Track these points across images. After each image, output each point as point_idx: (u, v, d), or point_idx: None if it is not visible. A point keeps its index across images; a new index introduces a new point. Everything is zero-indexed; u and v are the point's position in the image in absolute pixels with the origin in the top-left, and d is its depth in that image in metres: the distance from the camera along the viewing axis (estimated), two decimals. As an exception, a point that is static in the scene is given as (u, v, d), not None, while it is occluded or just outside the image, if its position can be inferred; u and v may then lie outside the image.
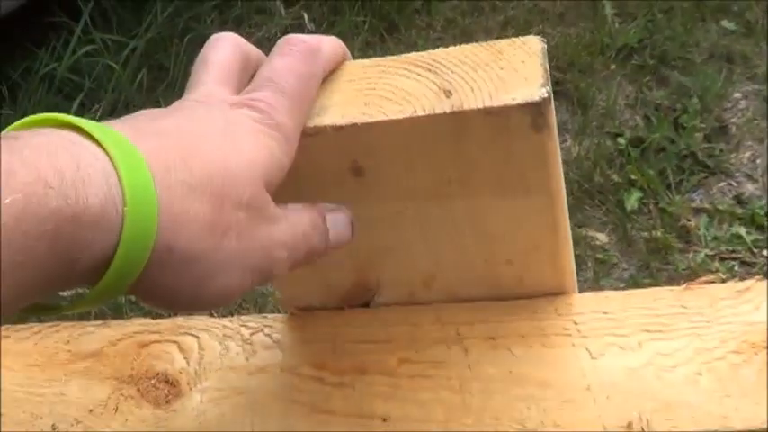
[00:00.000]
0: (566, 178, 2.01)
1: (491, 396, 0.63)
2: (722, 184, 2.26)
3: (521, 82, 0.54)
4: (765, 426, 0.60)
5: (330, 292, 0.68)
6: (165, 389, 0.69)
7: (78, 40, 2.89)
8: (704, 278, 0.68)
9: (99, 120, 0.46)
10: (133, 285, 0.44)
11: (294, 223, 0.52)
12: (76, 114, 0.45)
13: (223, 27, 2.94)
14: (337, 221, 0.56)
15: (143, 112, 0.50)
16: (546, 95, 0.53)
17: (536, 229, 0.62)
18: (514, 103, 0.53)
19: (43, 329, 0.75)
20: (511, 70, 0.55)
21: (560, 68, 2.54)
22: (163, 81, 2.90)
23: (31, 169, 0.39)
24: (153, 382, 0.69)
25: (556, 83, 2.51)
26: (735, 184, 2.26)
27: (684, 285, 0.67)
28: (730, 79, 2.47)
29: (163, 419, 0.67)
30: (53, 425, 0.69)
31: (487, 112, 0.54)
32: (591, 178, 2.25)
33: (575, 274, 0.69)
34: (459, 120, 0.54)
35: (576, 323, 0.66)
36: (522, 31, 2.64)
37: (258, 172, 0.49)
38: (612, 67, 2.54)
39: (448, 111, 0.54)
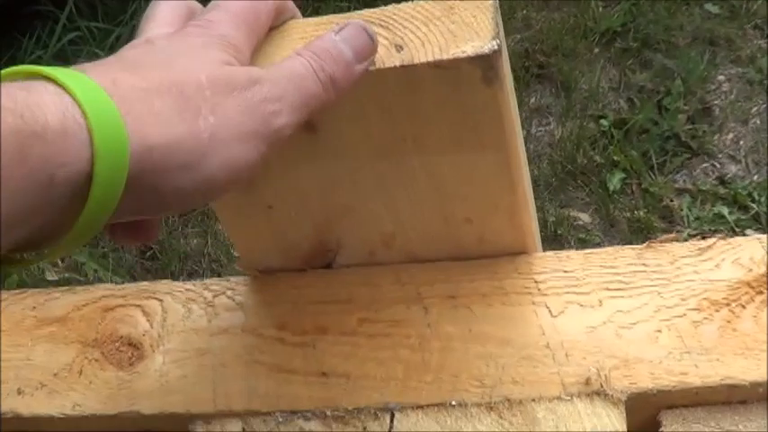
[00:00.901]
0: (549, 160, 2.00)
1: (450, 354, 0.64)
2: (705, 164, 2.26)
3: (471, 35, 0.54)
4: (724, 382, 0.61)
5: (291, 254, 0.68)
6: (129, 351, 0.69)
7: (63, 28, 2.88)
8: (665, 236, 0.68)
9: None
10: (133, 197, 0.44)
11: (278, 76, 0.50)
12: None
13: (208, 14, 2.92)
14: (348, 39, 0.54)
15: None
16: (496, 48, 0.53)
17: (493, 186, 0.62)
18: (464, 55, 0.53)
19: (9, 297, 0.75)
20: (462, 24, 0.55)
21: (544, 52, 2.54)
22: (148, 69, 2.88)
23: None
24: (117, 345, 0.69)
25: (539, 66, 2.51)
26: (718, 164, 2.26)
27: (645, 244, 0.68)
28: (714, 62, 2.47)
29: (126, 381, 0.67)
30: (18, 389, 0.69)
31: (437, 66, 0.54)
32: (574, 159, 2.25)
33: (537, 234, 0.69)
34: (409, 74, 0.54)
35: (536, 282, 0.67)
36: (506, 15, 2.63)
37: (209, 56, 0.49)
38: (596, 50, 2.54)
39: (398, 65, 0.54)
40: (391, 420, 0.61)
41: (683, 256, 0.67)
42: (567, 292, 0.66)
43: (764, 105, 2.38)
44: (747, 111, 2.37)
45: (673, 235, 0.69)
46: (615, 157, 2.24)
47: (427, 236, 0.66)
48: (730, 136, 2.33)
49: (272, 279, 0.70)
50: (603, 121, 2.33)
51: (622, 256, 0.67)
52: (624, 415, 0.59)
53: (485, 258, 0.68)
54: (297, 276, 0.69)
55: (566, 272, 0.67)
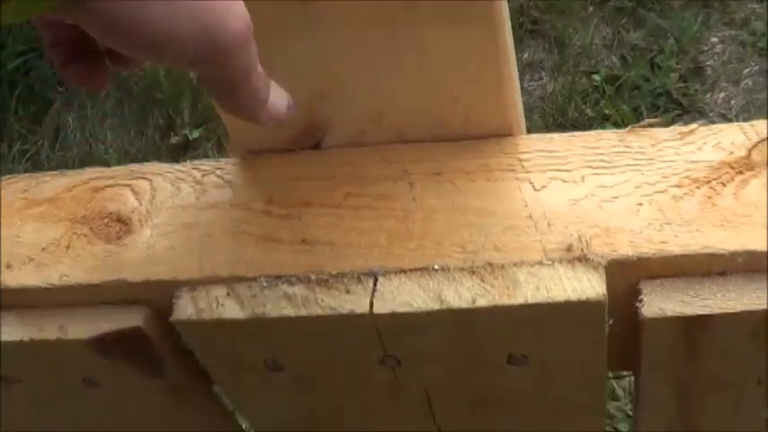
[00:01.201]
0: (541, 113, 1.99)
1: (434, 224, 0.65)
2: (696, 122, 2.27)
3: None
4: (702, 251, 0.61)
5: (281, 134, 0.69)
6: (117, 227, 0.70)
7: None
8: (647, 121, 0.69)
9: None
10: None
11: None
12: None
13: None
14: (277, 92, 0.58)
15: None
16: None
17: (479, 61, 0.63)
18: None
19: (1, 182, 0.76)
20: None
21: (539, 8, 2.54)
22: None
23: None
24: (105, 221, 0.70)
25: (533, 22, 2.52)
26: (709, 122, 2.27)
27: (628, 128, 0.69)
28: (707, 23, 2.48)
29: (114, 253, 0.68)
30: (7, 263, 0.69)
31: None
32: (565, 112, 2.26)
33: (522, 118, 0.70)
34: None
35: (520, 160, 0.67)
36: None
37: None
38: (590, 8, 2.54)
39: None
40: (374, 284, 0.62)
41: (665, 140, 0.68)
42: (551, 170, 0.67)
43: (757, 67, 2.40)
44: (740, 72, 2.38)
45: (654, 119, 0.70)
46: (606, 111, 2.25)
47: (415, 114, 0.67)
48: (722, 95, 2.34)
49: (261, 158, 0.71)
50: (596, 77, 2.34)
51: (606, 139, 0.68)
52: (604, 278, 0.60)
53: (471, 139, 0.69)
54: (286, 156, 0.70)
55: (549, 151, 0.68)
